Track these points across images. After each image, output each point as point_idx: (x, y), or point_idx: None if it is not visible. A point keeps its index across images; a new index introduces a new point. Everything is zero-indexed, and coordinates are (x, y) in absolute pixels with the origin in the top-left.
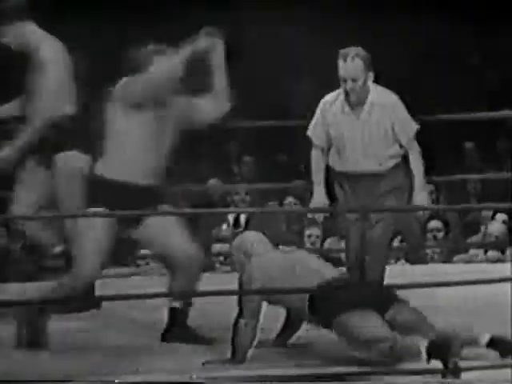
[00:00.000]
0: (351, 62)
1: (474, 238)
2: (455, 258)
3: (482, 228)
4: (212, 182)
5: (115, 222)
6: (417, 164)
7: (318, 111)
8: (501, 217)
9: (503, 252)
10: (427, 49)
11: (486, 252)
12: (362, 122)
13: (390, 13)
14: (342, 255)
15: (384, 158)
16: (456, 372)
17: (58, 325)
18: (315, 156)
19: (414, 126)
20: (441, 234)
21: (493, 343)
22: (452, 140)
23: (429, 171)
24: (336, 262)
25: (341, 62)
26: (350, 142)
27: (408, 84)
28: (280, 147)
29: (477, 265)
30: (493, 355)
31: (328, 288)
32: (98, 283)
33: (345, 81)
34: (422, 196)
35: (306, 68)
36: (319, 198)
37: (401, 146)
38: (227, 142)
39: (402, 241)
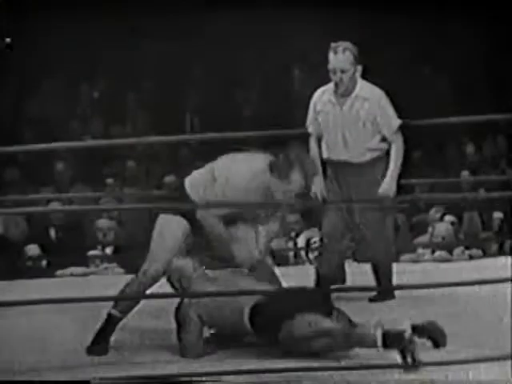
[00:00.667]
0: (341, 54)
1: (422, 238)
2: (402, 258)
3: (430, 228)
4: (169, 179)
5: (187, 225)
6: (395, 157)
7: (311, 102)
8: (449, 218)
9: (451, 252)
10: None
11: (433, 252)
12: (344, 113)
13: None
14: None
15: (362, 150)
16: (416, 365)
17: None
18: (311, 144)
19: (397, 121)
20: None
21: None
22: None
23: None
24: (283, 261)
25: (331, 55)
26: (333, 130)
27: None
28: None
29: (423, 264)
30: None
31: (268, 301)
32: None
33: (334, 72)
34: (388, 186)
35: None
36: (318, 182)
37: (384, 140)
38: None
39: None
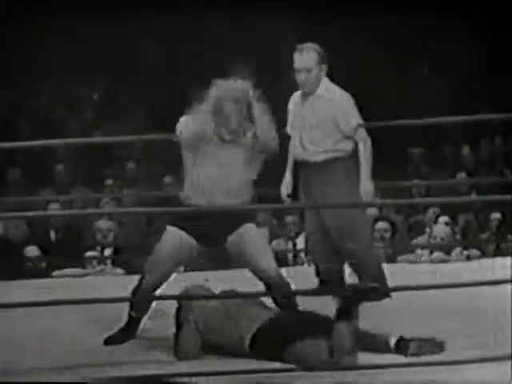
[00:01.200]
0: (306, 54)
1: (420, 239)
2: (399, 258)
3: (427, 229)
4: (168, 179)
5: (194, 240)
6: (364, 154)
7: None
8: (443, 219)
9: (449, 253)
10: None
11: (431, 253)
12: (303, 113)
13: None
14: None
15: (318, 149)
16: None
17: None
18: (289, 145)
19: (356, 120)
20: (388, 235)
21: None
22: (399, 145)
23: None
24: (283, 263)
25: (296, 55)
26: (295, 130)
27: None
28: None
29: (421, 265)
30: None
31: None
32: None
33: (299, 72)
34: (366, 185)
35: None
36: (285, 180)
37: (344, 141)
38: None
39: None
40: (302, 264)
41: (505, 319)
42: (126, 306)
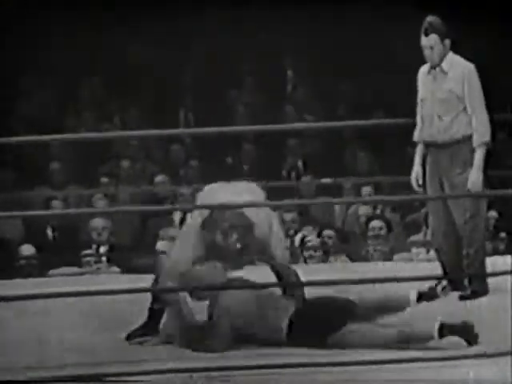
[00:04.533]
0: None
1: (416, 237)
2: (395, 257)
3: (424, 227)
4: (159, 178)
5: None
6: None
7: None
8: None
9: None
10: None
11: (428, 251)
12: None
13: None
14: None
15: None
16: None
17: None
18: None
19: None
20: (383, 232)
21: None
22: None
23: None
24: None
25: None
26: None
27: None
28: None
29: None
30: None
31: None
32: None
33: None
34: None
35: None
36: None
37: None
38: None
39: None
40: (297, 262)
41: (504, 315)
42: (123, 303)
